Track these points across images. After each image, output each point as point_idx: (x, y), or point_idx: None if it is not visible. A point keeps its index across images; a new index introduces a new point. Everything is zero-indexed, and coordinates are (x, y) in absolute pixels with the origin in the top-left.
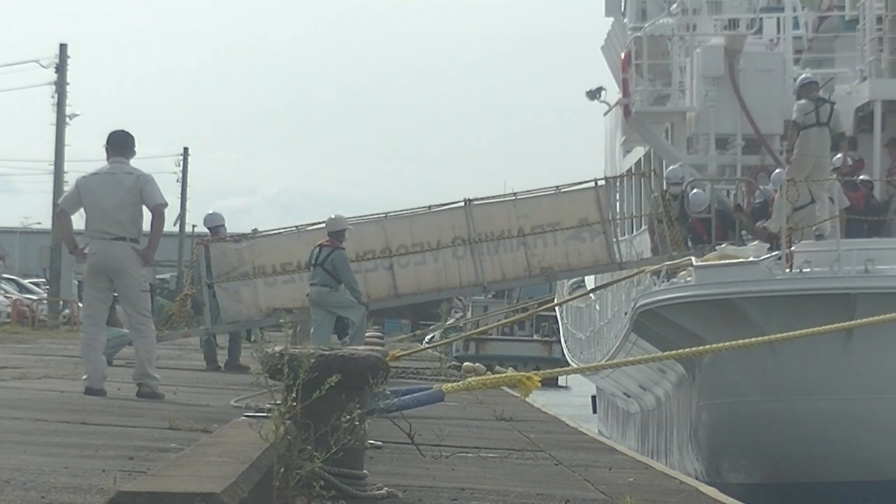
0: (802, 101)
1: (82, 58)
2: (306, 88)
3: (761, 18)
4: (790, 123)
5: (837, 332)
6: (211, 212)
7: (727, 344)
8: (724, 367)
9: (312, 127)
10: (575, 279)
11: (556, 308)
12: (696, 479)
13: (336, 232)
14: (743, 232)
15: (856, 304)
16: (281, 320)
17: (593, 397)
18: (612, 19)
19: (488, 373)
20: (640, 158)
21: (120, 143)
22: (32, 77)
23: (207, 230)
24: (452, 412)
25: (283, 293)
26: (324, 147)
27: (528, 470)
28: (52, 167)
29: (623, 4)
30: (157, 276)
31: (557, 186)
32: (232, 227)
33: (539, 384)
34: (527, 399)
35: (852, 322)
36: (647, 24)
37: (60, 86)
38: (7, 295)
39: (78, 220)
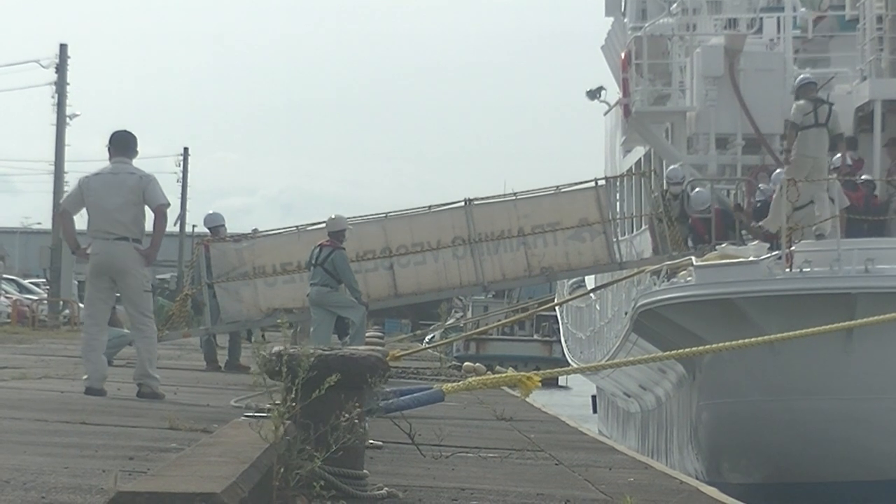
0: (801, 102)
1: (82, 58)
2: (306, 88)
3: (761, 18)
4: (788, 124)
5: (837, 331)
6: (211, 212)
7: (727, 344)
8: (725, 367)
9: (312, 127)
10: (575, 279)
11: (557, 308)
12: (697, 478)
13: (336, 232)
14: (743, 232)
15: (856, 303)
16: (279, 320)
17: (593, 397)
18: (612, 19)
19: (488, 373)
20: (640, 158)
21: (123, 143)
22: (32, 77)
23: (207, 230)
24: (452, 412)
25: (283, 293)
26: (324, 147)
27: (528, 470)
28: (53, 167)
29: (623, 4)
30: (158, 277)
31: (557, 186)
32: (232, 227)
33: (539, 384)
34: (527, 399)
35: (852, 322)
36: (647, 24)
37: (60, 86)
38: (7, 295)
39: (80, 221)
